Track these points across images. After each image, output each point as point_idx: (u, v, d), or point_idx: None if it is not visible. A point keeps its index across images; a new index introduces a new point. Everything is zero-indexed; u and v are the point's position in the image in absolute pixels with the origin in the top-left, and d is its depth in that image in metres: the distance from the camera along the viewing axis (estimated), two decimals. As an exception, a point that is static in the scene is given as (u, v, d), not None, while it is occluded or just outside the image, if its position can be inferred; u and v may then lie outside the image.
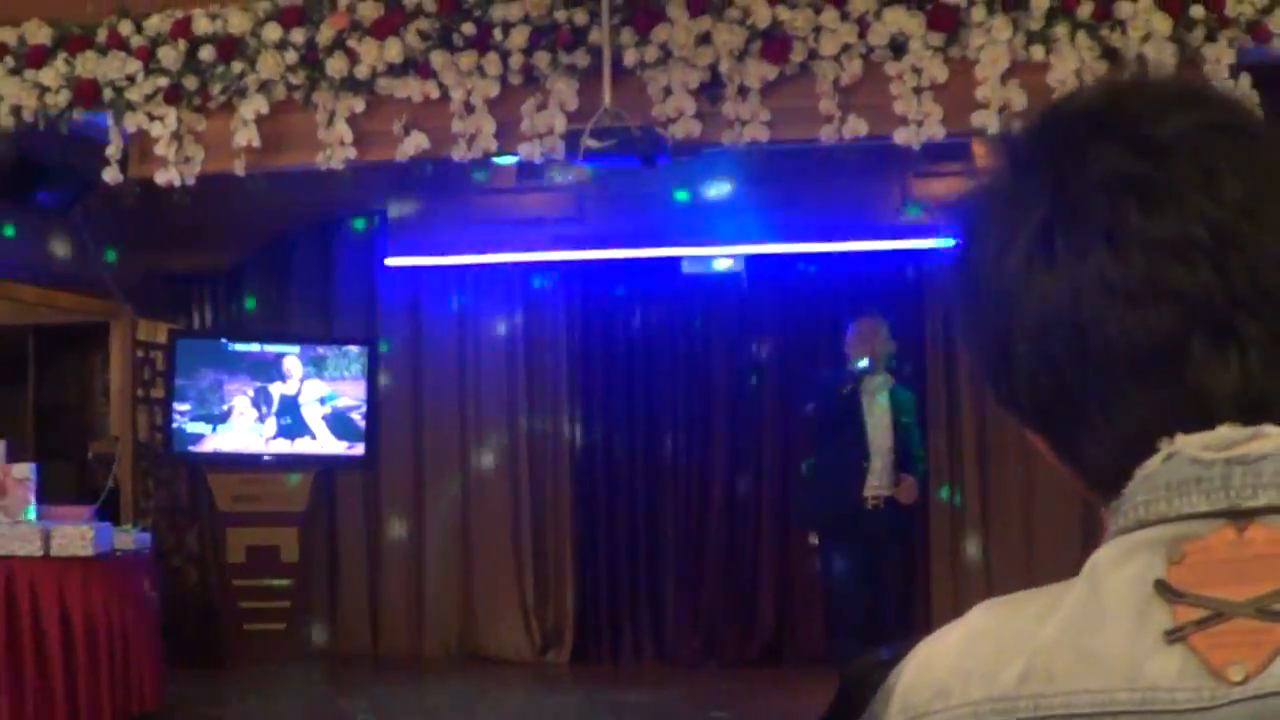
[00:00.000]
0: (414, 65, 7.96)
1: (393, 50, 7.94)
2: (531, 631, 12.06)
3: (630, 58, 7.76)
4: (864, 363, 9.62)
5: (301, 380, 11.74)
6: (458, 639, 12.19)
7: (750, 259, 11.53)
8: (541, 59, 7.82)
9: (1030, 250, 1.11)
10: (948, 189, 11.08)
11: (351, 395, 11.83)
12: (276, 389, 11.70)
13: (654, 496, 12.20)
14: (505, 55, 7.85)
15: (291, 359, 11.72)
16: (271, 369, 11.70)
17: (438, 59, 7.89)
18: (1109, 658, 1.03)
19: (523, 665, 11.89)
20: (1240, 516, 1.04)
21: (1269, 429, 1.05)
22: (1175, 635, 1.02)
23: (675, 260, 11.58)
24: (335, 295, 12.51)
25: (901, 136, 7.75)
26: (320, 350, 11.91)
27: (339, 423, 11.80)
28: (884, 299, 11.66)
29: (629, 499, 12.23)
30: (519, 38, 7.81)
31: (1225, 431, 1.05)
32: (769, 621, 11.75)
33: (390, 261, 12.09)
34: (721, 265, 11.47)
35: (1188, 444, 1.06)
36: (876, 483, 9.53)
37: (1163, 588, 1.03)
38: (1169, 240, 1.07)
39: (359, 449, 11.88)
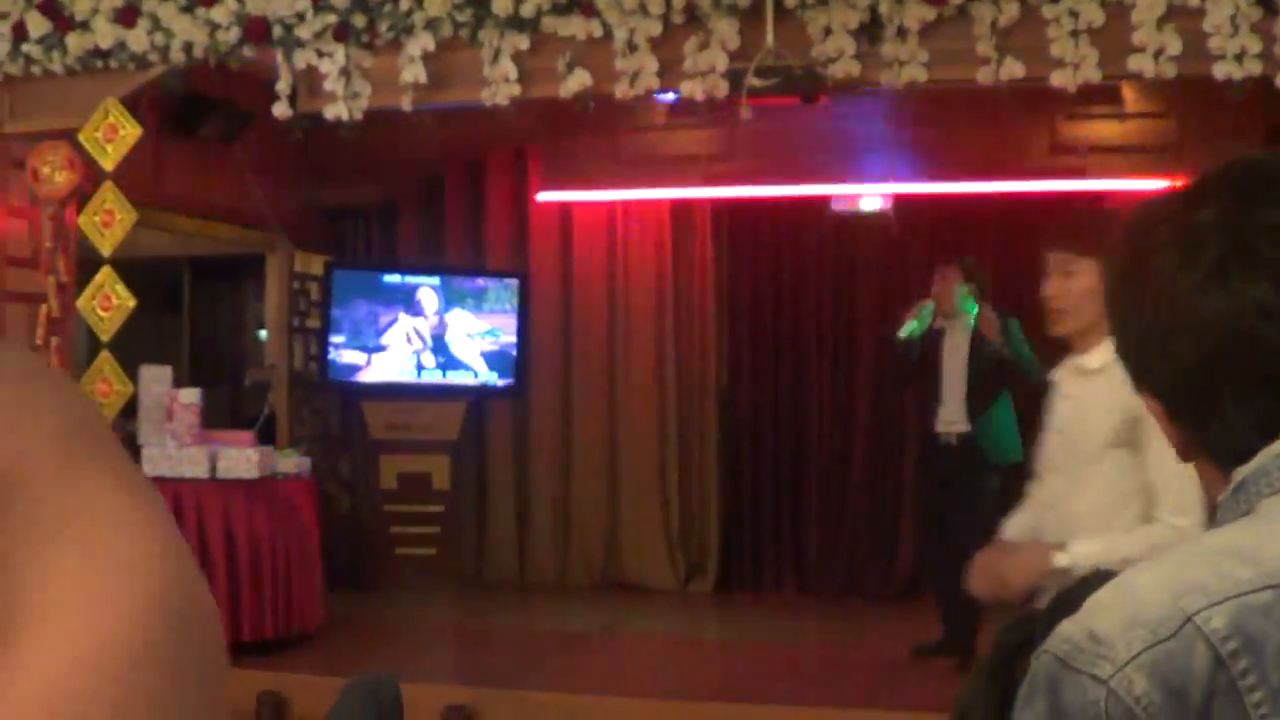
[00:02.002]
0: (578, 4, 8.10)
1: (559, -12, 8.10)
2: (675, 562, 12.27)
3: (792, -1, 7.88)
4: (910, 327, 9.64)
5: (444, 312, 11.98)
6: (602, 568, 12.43)
7: (898, 198, 11.60)
8: (704, -1, 7.95)
9: (1208, 272, 1.46)
10: (1097, 132, 11.12)
11: (503, 327, 12.07)
12: (428, 321, 11.95)
13: (798, 431, 12.35)
14: (669, -6, 7.98)
15: (426, 291, 11.96)
16: (420, 302, 11.96)
17: (602, -2, 8.04)
18: None
19: (666, 594, 12.10)
20: None
21: None
22: None
23: (823, 199, 11.67)
24: (487, 229, 12.71)
25: (1058, 79, 7.82)
26: (474, 283, 12.15)
27: (491, 354, 12.05)
28: (1032, 239, 11.75)
29: (773, 433, 12.39)
30: (683, -23, 7.94)
31: None
32: (908, 557, 11.88)
33: (541, 196, 12.28)
34: (870, 204, 11.56)
35: None
36: (950, 419, 9.49)
37: None
38: None
39: (510, 380, 12.12)
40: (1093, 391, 4.21)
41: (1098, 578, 1.44)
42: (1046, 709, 1.43)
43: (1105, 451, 4.18)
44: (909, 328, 9.67)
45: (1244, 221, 1.47)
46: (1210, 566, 1.40)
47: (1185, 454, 1.55)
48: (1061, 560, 4.02)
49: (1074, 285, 4.25)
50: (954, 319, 9.54)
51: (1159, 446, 3.64)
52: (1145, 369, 1.54)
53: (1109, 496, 4.16)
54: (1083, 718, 1.40)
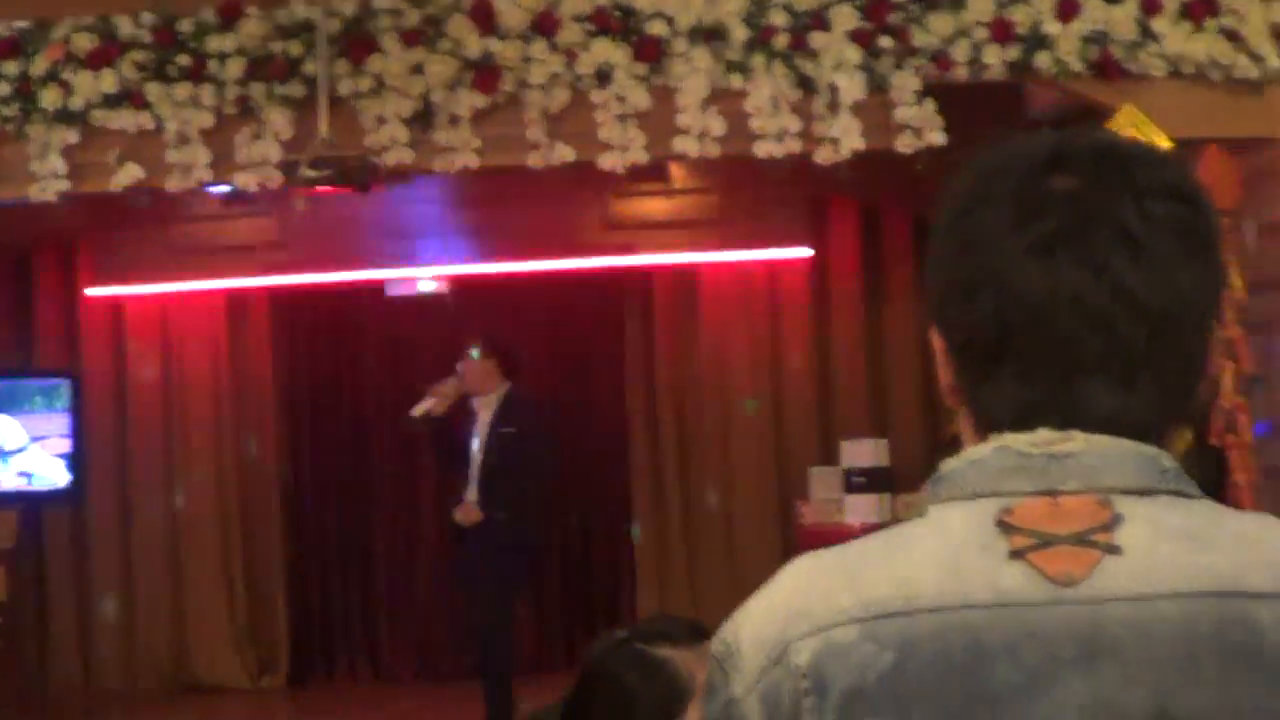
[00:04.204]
0: (129, 96, 7.99)
1: (107, 81, 7.93)
2: (246, 658, 12.05)
3: (345, 88, 7.90)
4: (426, 405, 9.73)
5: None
6: (172, 670, 12.10)
7: (454, 279, 11.74)
8: (257, 89, 7.92)
9: (1037, 242, 1.42)
10: (646, 208, 11.49)
11: (56, 430, 11.69)
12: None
13: (363, 517, 12.31)
14: (220, 86, 7.93)
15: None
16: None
17: (152, 90, 7.92)
18: (966, 570, 1.39)
19: (239, 692, 11.87)
20: (1054, 495, 1.40)
21: (1075, 434, 1.42)
22: (1017, 554, 1.38)
23: (380, 284, 11.71)
24: (36, 328, 12.31)
25: (606, 162, 8.05)
26: (23, 385, 11.75)
27: (43, 458, 11.65)
28: (585, 316, 12.12)
29: (339, 520, 12.34)
30: (234, 68, 7.89)
31: (1044, 434, 1.42)
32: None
33: (91, 291, 11.97)
34: (426, 286, 11.65)
35: (1015, 441, 1.43)
36: (474, 499, 9.62)
37: (1001, 525, 1.39)
38: (1131, 290, 1.41)
39: (65, 483, 11.73)
40: None
41: None
42: (705, 711, 1.49)
43: None
44: (423, 406, 9.69)
45: (1092, 204, 1.42)
46: (828, 583, 1.42)
47: (950, 396, 1.52)
48: None
49: None
50: (483, 396, 9.67)
51: None
52: (943, 310, 1.49)
53: None
54: None
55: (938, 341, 1.51)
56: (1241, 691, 1.32)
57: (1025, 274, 1.42)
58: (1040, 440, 1.42)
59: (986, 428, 1.46)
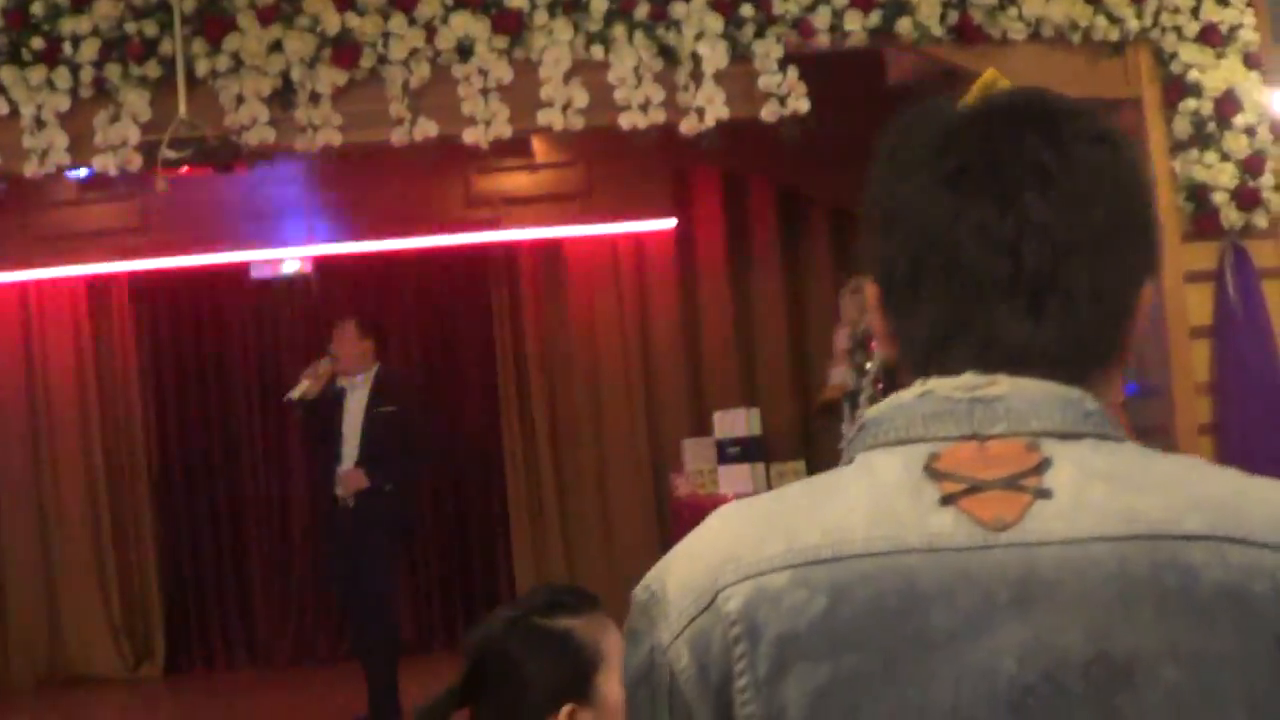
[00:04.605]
0: (-19, 82, 7.84)
1: (-41, 68, 7.80)
2: (121, 647, 11.90)
3: (203, 67, 7.79)
4: (302, 387, 9.57)
5: None
6: (46, 662, 11.92)
7: (318, 260, 11.65)
8: (113, 71, 7.77)
9: (945, 176, 1.45)
10: (510, 183, 11.46)
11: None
12: None
13: (234, 502, 12.21)
14: (75, 69, 7.78)
15: None
16: None
17: (6, 74, 7.75)
18: (897, 516, 1.39)
19: (116, 682, 11.72)
20: (981, 439, 1.41)
21: (1001, 378, 1.43)
22: (948, 500, 1.38)
23: (243, 266, 11.59)
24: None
25: (470, 136, 8.02)
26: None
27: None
28: (452, 292, 12.08)
29: (210, 506, 12.21)
30: (89, 50, 7.74)
31: (969, 378, 1.44)
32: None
33: (-55, 281, 11.75)
34: (290, 267, 11.55)
35: (941, 385, 1.44)
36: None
37: (930, 471, 1.40)
38: (1039, 221, 1.43)
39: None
40: None
41: None
42: (628, 659, 1.47)
43: None
44: (301, 388, 9.54)
45: (1007, 142, 1.45)
46: (757, 530, 1.42)
47: (886, 346, 1.53)
48: None
49: None
50: (353, 376, 9.54)
51: None
52: (869, 252, 1.51)
53: None
54: (644, 680, 1.44)
55: (870, 289, 1.53)
56: (1178, 633, 1.34)
57: (935, 204, 1.44)
58: (965, 385, 1.43)
59: (911, 364, 1.48)
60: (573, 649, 2.82)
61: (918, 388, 1.45)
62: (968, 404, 1.42)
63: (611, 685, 2.75)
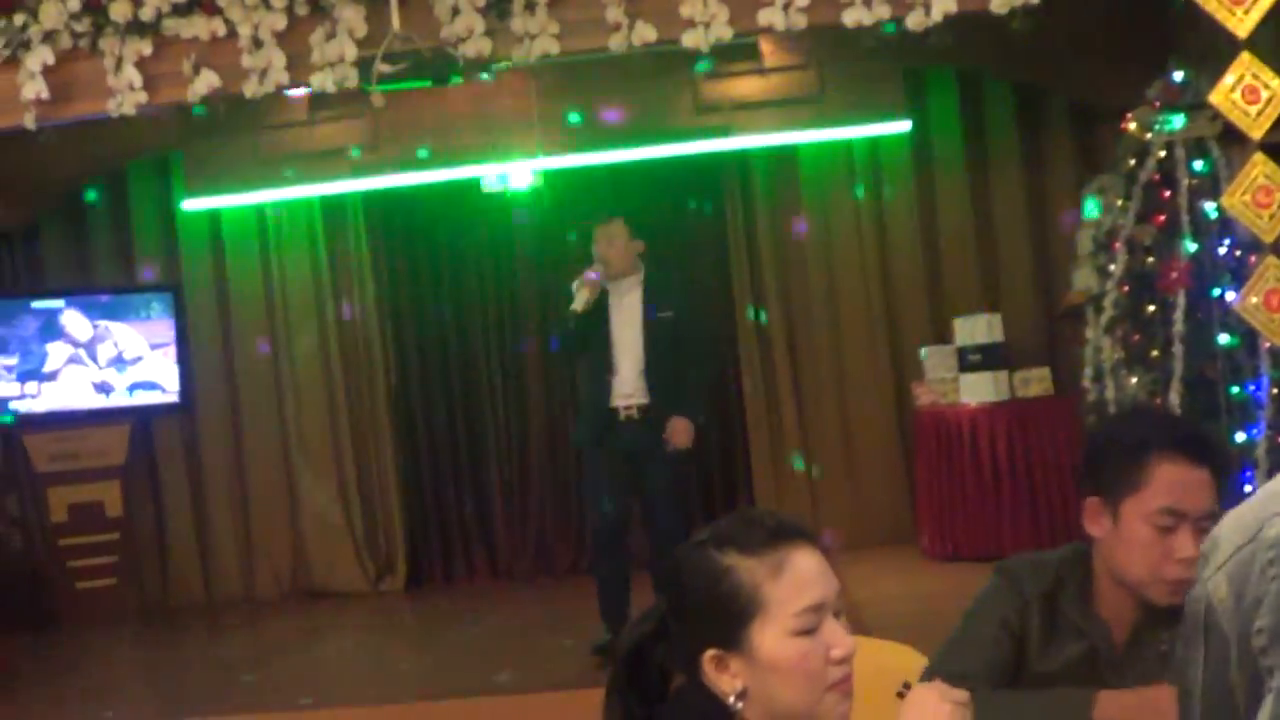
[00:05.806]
0: (199, 3, 7.85)
1: (175, -11, 7.84)
2: (364, 563, 12.08)
3: (416, -20, 7.75)
4: (582, 299, 8.86)
5: (98, 333, 11.60)
6: (290, 578, 12.18)
7: (549, 172, 11.56)
8: (327, -13, 7.78)
9: None
10: (740, 89, 11.23)
11: (162, 344, 11.73)
12: (80, 346, 11.56)
13: (473, 416, 12.27)
14: (290, -14, 7.79)
15: (73, 314, 11.56)
16: (71, 325, 11.56)
17: (222, -5, 7.81)
18: None
19: (358, 596, 11.91)
20: None
21: None
22: None
23: (474, 180, 11.55)
24: (135, 243, 12.31)
25: (690, 40, 7.80)
26: (127, 300, 11.78)
27: (152, 371, 11.70)
28: (683, 202, 11.94)
29: (448, 421, 12.29)
30: (304, -32, 7.76)
31: None
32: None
33: (187, 204, 11.92)
34: (520, 181, 11.49)
35: None
36: (626, 392, 8.88)
37: None
38: None
39: (173, 396, 11.78)
40: None
41: None
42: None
43: None
44: (581, 298, 8.86)
45: None
46: None
47: None
48: None
49: None
50: (622, 279, 9.02)
51: None
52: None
53: None
54: (1191, 615, 1.46)
55: None
56: None
57: None
58: None
59: None
60: (726, 589, 2.49)
61: None
62: None
63: (765, 636, 2.46)
